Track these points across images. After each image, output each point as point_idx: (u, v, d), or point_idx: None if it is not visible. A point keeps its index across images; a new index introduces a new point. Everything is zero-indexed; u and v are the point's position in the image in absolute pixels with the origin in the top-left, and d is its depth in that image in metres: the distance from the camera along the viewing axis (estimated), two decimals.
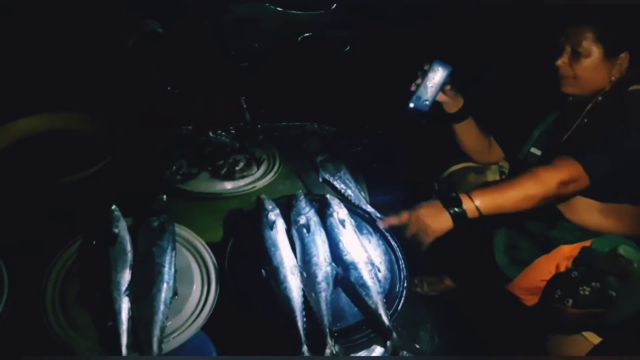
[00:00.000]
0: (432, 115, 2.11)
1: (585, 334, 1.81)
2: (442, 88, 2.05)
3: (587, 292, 1.76)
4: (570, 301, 1.77)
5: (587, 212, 1.91)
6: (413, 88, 2.07)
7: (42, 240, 1.89)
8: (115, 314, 1.62)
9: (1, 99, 2.44)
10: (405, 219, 1.84)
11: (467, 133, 2.19)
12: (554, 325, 1.87)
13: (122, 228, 1.85)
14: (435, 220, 1.78)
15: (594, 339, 1.80)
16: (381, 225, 2.00)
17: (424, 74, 2.04)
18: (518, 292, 1.90)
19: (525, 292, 1.89)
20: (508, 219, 2.12)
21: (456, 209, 1.76)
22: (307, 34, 3.45)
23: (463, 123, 2.17)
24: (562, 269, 1.84)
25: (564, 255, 1.85)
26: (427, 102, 2.06)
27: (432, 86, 2.05)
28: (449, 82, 2.07)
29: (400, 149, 2.68)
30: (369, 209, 2.20)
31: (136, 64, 2.82)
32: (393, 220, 1.89)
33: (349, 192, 2.29)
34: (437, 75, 2.04)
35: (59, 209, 2.04)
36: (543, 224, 1.97)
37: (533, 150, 2.10)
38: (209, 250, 1.93)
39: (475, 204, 1.75)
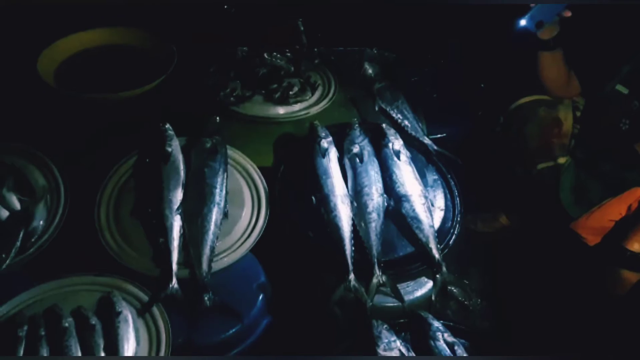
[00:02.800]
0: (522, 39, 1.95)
1: None
2: (560, 12, 1.86)
3: None
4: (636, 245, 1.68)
5: None
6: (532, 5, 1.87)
7: (98, 154, 1.93)
8: (166, 231, 1.65)
9: (65, 11, 2.43)
10: None
11: (553, 64, 2.03)
12: (615, 264, 1.79)
13: (175, 147, 1.85)
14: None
15: None
16: None
17: None
18: (582, 231, 1.81)
19: (589, 232, 1.81)
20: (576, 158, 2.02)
21: None
22: None
23: (552, 53, 2.01)
24: (633, 210, 1.74)
25: (637, 197, 1.74)
26: (542, 24, 1.86)
27: (551, 9, 1.85)
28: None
29: (463, 80, 2.53)
30: (427, 140, 2.12)
31: None
32: None
33: (406, 122, 2.20)
34: None
35: (114, 124, 2.06)
36: (617, 165, 1.85)
37: (619, 87, 1.93)
38: (261, 175, 1.92)
39: None
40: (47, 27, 2.33)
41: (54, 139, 1.95)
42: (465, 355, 1.53)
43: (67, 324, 1.47)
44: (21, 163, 1.83)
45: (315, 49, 2.49)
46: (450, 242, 1.82)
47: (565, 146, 2.07)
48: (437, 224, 1.84)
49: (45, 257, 1.67)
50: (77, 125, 2.03)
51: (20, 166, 1.81)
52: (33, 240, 1.66)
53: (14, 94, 2.11)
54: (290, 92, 2.23)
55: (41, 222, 1.69)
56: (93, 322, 1.48)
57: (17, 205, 1.71)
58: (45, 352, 1.41)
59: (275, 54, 2.37)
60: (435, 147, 2.10)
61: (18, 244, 1.62)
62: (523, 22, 1.85)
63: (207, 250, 1.63)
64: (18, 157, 1.85)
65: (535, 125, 2.10)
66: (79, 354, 1.42)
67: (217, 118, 1.99)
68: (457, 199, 1.96)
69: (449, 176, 2.02)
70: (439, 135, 2.26)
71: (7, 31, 2.25)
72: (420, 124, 2.22)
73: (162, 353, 1.47)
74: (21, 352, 1.42)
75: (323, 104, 2.26)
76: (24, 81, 2.12)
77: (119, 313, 1.49)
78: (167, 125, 1.90)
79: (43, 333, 1.45)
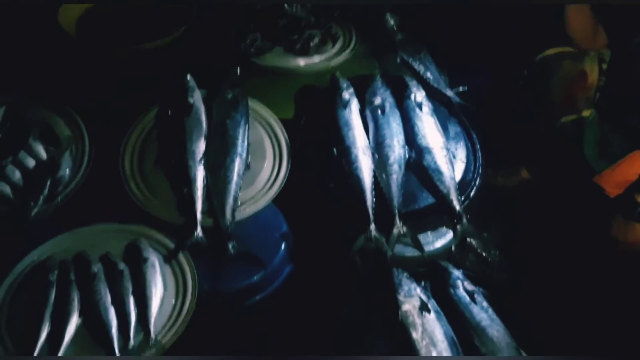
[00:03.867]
0: None
1: None
2: None
3: None
4: None
5: None
6: None
7: (120, 106, 1.94)
8: (190, 181, 1.67)
9: None
10: None
11: (579, 14, 1.98)
12: (625, 216, 1.79)
13: (196, 98, 1.86)
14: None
15: None
16: None
17: None
18: (606, 184, 1.80)
19: (613, 185, 1.79)
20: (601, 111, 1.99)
21: None
22: None
23: (578, 4, 1.96)
24: None
25: None
26: None
27: None
28: None
29: (486, 31, 2.46)
30: (449, 93, 2.09)
31: None
32: None
33: (428, 74, 2.16)
34: None
35: (136, 75, 2.06)
36: None
37: None
38: (282, 126, 1.92)
39: None
40: None
41: (77, 90, 1.97)
42: (484, 302, 1.56)
43: (96, 269, 1.52)
44: (46, 114, 1.85)
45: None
46: (471, 194, 1.83)
47: (590, 99, 2.03)
48: (458, 176, 1.84)
49: (72, 206, 1.71)
50: (99, 77, 2.04)
51: (45, 117, 1.84)
52: (60, 188, 1.70)
53: (36, 46, 2.11)
54: (311, 44, 2.20)
55: (67, 171, 1.73)
56: (121, 268, 1.53)
57: (44, 154, 1.75)
58: (75, 297, 1.47)
59: (295, 4, 2.33)
60: (457, 100, 2.07)
61: (46, 191, 1.66)
62: None
63: (230, 200, 1.66)
64: (43, 108, 1.87)
65: (559, 77, 2.06)
66: (109, 299, 1.47)
67: (238, 69, 1.98)
68: (479, 151, 1.95)
69: (471, 129, 2.00)
70: (461, 88, 2.23)
71: None
72: (442, 76, 2.19)
73: (188, 298, 1.52)
74: (52, 297, 1.47)
75: (344, 55, 2.23)
76: (46, 33, 2.12)
77: (147, 259, 1.54)
78: (189, 77, 1.90)
79: (73, 278, 1.51)
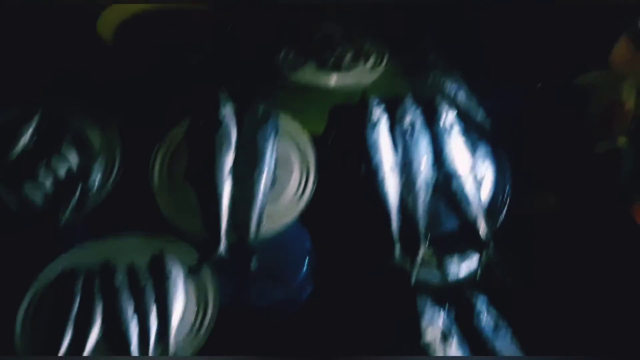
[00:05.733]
0: None
1: None
2: None
3: None
4: None
5: None
6: None
7: (153, 115, 1.96)
8: (217, 196, 1.68)
9: None
10: None
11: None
12: None
13: (228, 111, 1.87)
14: None
15: None
16: None
17: None
18: None
19: None
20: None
21: None
22: None
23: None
24: None
25: None
26: None
27: None
28: None
29: (522, 48, 2.42)
30: (480, 115, 2.06)
31: None
32: None
33: (460, 95, 2.14)
34: None
35: (169, 86, 2.08)
36: None
37: None
38: (311, 142, 1.92)
39: None
40: None
41: (112, 98, 1.99)
42: (508, 334, 1.52)
43: (120, 280, 1.53)
44: (81, 120, 1.88)
45: (369, 15, 2.42)
46: (499, 222, 1.79)
47: (627, 128, 1.99)
48: (485, 201, 1.81)
49: (100, 214, 1.73)
50: (134, 85, 2.06)
51: (80, 123, 1.87)
52: (89, 196, 1.72)
53: (74, 54, 2.15)
54: (344, 60, 2.20)
55: (98, 179, 1.75)
56: (144, 281, 1.54)
57: (76, 160, 1.77)
58: (99, 307, 1.49)
59: (329, 20, 2.33)
60: (488, 123, 2.04)
61: (76, 198, 1.68)
62: None
63: (255, 216, 1.66)
64: (77, 113, 1.90)
65: (595, 104, 2.02)
66: (131, 311, 1.48)
67: (270, 84, 1.99)
68: (508, 177, 1.92)
69: (501, 153, 1.97)
70: (493, 105, 2.20)
71: None
72: (473, 97, 2.16)
73: (209, 314, 1.52)
74: (76, 305, 1.49)
75: (376, 72, 2.22)
76: (85, 41, 2.16)
77: (170, 272, 1.55)
78: (221, 89, 1.92)
79: (97, 287, 1.53)
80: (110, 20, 2.27)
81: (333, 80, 2.17)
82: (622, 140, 1.95)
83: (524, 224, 2.21)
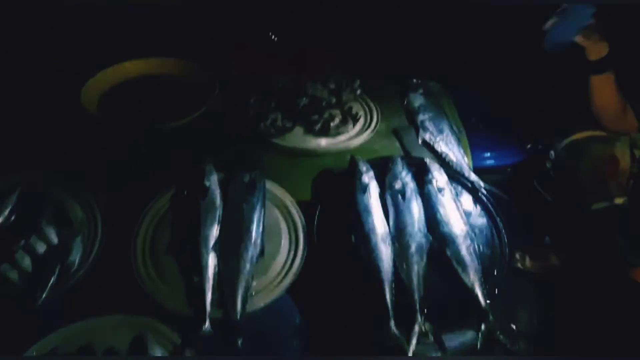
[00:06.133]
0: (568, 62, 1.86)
1: None
2: (580, 28, 1.79)
3: None
4: None
5: None
6: (549, 25, 1.81)
7: (136, 186, 1.91)
8: (201, 270, 1.61)
9: (108, 42, 2.47)
10: None
11: (603, 89, 1.90)
12: None
13: (213, 182, 1.83)
14: None
15: None
16: None
17: (561, 12, 1.78)
18: None
19: None
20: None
21: None
22: None
23: (601, 76, 1.89)
24: None
25: None
26: (560, 44, 1.80)
27: (567, 25, 1.79)
28: (592, 22, 1.80)
29: (512, 110, 2.41)
30: (472, 177, 2.03)
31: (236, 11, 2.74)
32: None
33: (451, 156, 2.11)
34: (574, 15, 1.78)
35: (153, 155, 2.05)
36: None
37: None
38: (299, 210, 1.87)
39: None
40: (89, 58, 2.36)
41: (93, 169, 1.95)
42: None
43: None
44: (61, 194, 1.83)
45: (357, 79, 2.42)
46: (497, 289, 1.72)
47: (623, 186, 1.94)
48: (482, 265, 1.74)
49: (79, 291, 1.65)
50: (116, 156, 2.03)
51: (59, 197, 1.81)
52: (69, 275, 1.65)
53: (57, 125, 2.12)
54: (332, 124, 2.18)
55: (77, 257, 1.68)
56: None
57: (55, 239, 1.70)
58: None
59: (316, 84, 2.33)
60: (482, 184, 2.00)
61: (54, 279, 1.60)
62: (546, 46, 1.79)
63: (241, 291, 1.58)
64: (58, 187, 1.85)
65: (589, 161, 2.00)
66: None
67: (257, 150, 1.96)
68: (505, 239, 1.86)
69: (497, 215, 1.91)
70: (485, 164, 2.17)
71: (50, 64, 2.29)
72: (465, 158, 2.13)
73: None
74: None
75: (365, 135, 2.20)
76: (67, 112, 2.14)
77: (151, 355, 1.46)
78: (207, 159, 1.88)
79: None
80: (94, 89, 2.26)
81: (321, 144, 2.15)
82: (619, 200, 1.91)
83: (523, 282, 2.15)
